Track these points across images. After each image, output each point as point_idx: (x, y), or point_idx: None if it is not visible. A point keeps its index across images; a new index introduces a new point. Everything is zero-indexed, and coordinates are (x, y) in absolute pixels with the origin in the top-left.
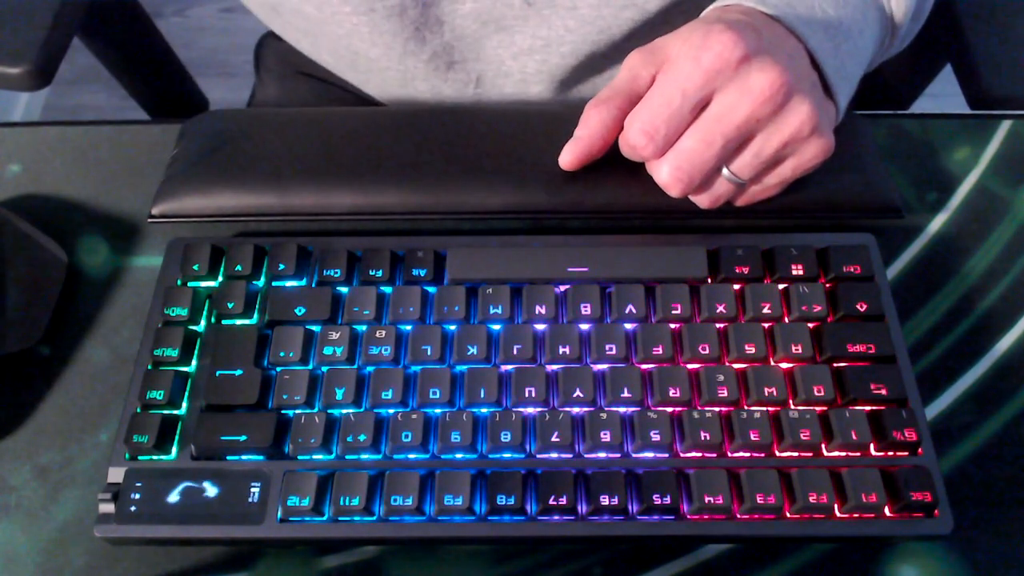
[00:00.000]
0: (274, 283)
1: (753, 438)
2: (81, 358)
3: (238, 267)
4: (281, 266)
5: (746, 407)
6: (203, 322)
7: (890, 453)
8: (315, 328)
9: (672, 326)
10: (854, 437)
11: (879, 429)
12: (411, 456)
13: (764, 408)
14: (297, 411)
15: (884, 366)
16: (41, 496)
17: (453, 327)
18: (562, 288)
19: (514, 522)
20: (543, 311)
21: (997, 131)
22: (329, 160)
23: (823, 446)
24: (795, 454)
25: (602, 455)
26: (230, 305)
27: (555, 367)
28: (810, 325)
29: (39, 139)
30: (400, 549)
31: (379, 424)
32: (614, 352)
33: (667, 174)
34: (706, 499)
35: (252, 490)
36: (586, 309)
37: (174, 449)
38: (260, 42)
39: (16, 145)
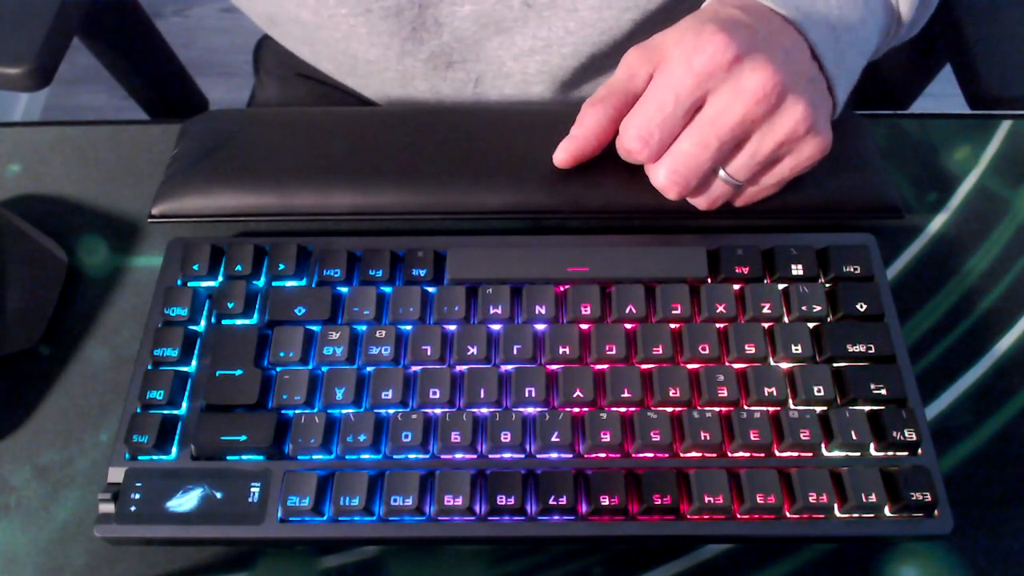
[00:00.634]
0: (274, 283)
1: (753, 438)
2: (81, 358)
3: (238, 267)
4: (281, 266)
5: (746, 407)
6: (203, 322)
7: (890, 453)
8: (315, 328)
9: (672, 326)
10: (854, 437)
11: (879, 429)
12: (411, 456)
13: (764, 408)
14: (297, 411)
15: (884, 366)
16: (41, 496)
17: (453, 327)
18: (562, 288)
19: (514, 522)
20: (543, 311)
21: (997, 131)
22: (329, 160)
23: (823, 446)
24: (795, 454)
25: (602, 455)
26: (230, 305)
27: (555, 367)
28: (810, 325)
29: (39, 139)
30: (400, 549)
31: (379, 424)
32: (614, 352)
33: (663, 177)
34: (706, 499)
35: (252, 490)
36: (586, 309)
37: (174, 449)
38: (259, 44)
39: (16, 145)
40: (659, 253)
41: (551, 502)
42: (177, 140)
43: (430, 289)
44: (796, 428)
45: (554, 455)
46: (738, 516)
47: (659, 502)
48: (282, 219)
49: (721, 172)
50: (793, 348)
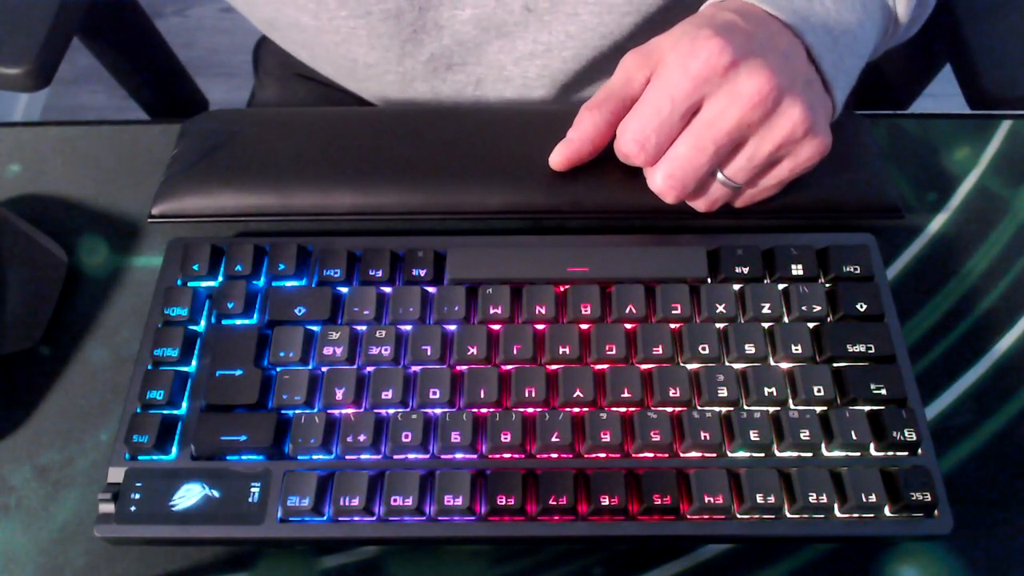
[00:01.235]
0: (274, 283)
1: (753, 438)
2: (81, 358)
3: (238, 267)
4: (281, 266)
5: (746, 407)
6: (203, 322)
7: (890, 453)
8: (315, 328)
9: (672, 326)
10: (854, 437)
11: (879, 429)
12: (411, 456)
13: (764, 408)
14: (297, 411)
15: (884, 366)
16: (41, 496)
17: (453, 327)
18: (562, 288)
19: (514, 522)
20: (543, 311)
21: (997, 131)
22: (329, 160)
23: (823, 446)
24: (795, 454)
25: (602, 455)
26: (230, 305)
27: (555, 367)
28: (810, 325)
29: (39, 139)
30: (400, 549)
31: (379, 424)
32: (614, 352)
33: (661, 181)
34: (706, 499)
35: (252, 490)
36: (586, 309)
37: (174, 449)
38: (259, 44)
39: (16, 145)
40: (659, 253)
41: (551, 502)
42: (177, 140)
43: (430, 289)
44: (796, 428)
45: (554, 455)
46: (738, 516)
47: (659, 502)
48: (282, 219)
49: (719, 175)
50: (793, 348)
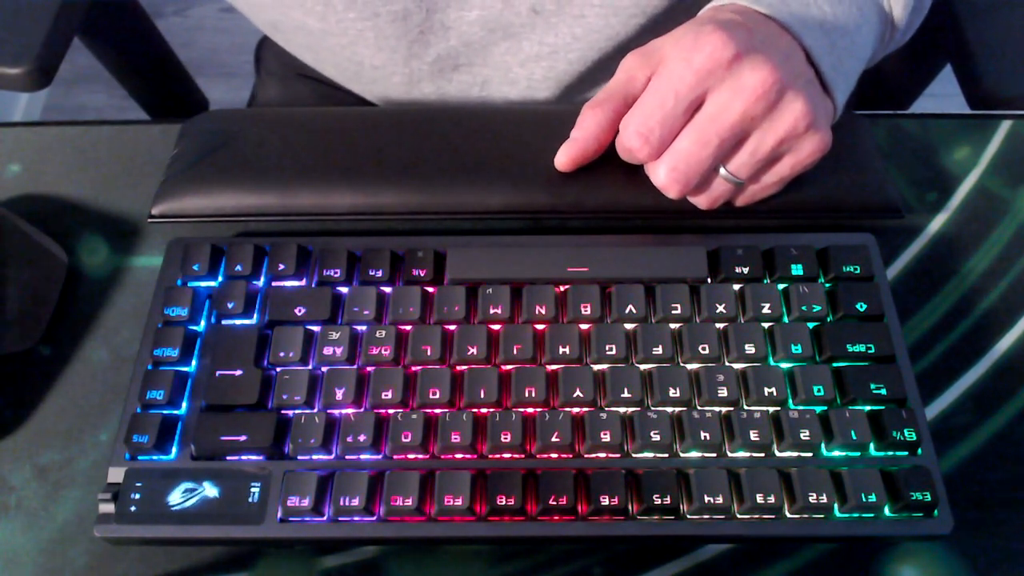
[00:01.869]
0: (274, 283)
1: (753, 438)
2: (81, 358)
3: (238, 267)
4: (281, 266)
5: (746, 407)
6: (203, 322)
7: (890, 453)
8: (315, 328)
9: (672, 326)
10: (854, 437)
11: (879, 429)
12: (411, 456)
13: (764, 408)
14: (297, 411)
15: (884, 366)
16: (41, 496)
17: (453, 327)
18: (562, 288)
19: (514, 522)
20: (543, 311)
21: (997, 131)
22: (329, 160)
23: (823, 446)
24: (795, 454)
25: (602, 455)
26: (230, 305)
27: (555, 367)
28: (810, 325)
29: (39, 139)
30: (400, 549)
31: (379, 424)
32: (614, 352)
33: (664, 175)
34: (706, 499)
35: (252, 490)
36: (586, 309)
37: (174, 449)
38: (260, 44)
39: (16, 145)
40: (659, 253)
41: (551, 502)
42: (177, 140)
43: (430, 289)
44: (796, 428)
45: (554, 455)
46: (738, 516)
47: (659, 502)
48: (282, 219)
49: (722, 170)
50: (793, 348)
